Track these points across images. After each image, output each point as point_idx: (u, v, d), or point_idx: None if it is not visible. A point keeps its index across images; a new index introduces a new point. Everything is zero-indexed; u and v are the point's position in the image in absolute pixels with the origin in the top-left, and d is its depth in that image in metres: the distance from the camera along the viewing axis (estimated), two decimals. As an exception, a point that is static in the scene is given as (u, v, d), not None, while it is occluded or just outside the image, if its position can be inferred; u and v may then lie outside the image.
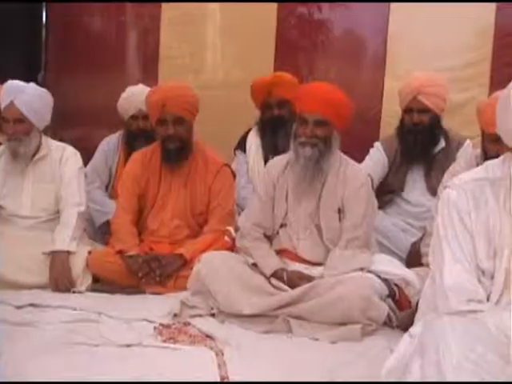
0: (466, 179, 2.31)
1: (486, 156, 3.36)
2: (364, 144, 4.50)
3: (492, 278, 2.20)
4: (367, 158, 4.32)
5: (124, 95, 4.53)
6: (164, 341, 2.95)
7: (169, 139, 3.76)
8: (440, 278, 2.22)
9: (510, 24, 5.13)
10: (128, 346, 2.84)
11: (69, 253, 3.63)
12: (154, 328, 3.08)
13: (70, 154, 3.92)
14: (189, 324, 3.15)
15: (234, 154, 4.68)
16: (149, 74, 5.69)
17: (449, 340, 1.95)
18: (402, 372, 2.10)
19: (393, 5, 5.26)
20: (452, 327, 2.00)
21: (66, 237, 3.67)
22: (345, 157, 3.48)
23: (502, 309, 2.16)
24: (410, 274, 3.32)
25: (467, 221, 2.22)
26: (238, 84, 5.11)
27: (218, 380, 2.56)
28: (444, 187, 2.34)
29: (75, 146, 4.04)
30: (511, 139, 2.24)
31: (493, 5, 5.07)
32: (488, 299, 2.19)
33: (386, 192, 4.30)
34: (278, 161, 3.54)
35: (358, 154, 4.36)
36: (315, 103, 3.29)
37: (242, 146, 4.64)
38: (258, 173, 4.46)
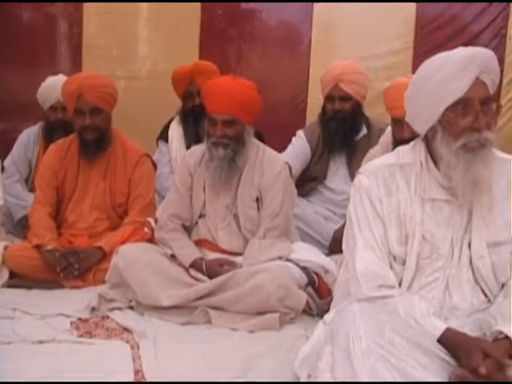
0: (377, 165, 2.34)
1: (396, 141, 3.42)
2: (290, 132, 4.50)
3: (403, 263, 2.23)
4: (290, 146, 4.33)
5: (43, 85, 4.44)
6: (80, 335, 2.90)
7: (86, 130, 3.67)
8: (352, 264, 2.25)
9: (431, 13, 5.26)
10: (41, 342, 2.77)
11: (-17, 249, 3.52)
12: (71, 323, 3.01)
13: None
14: (107, 317, 3.10)
15: (157, 144, 4.62)
16: (73, 64, 5.59)
17: (358, 326, 1.98)
18: (315, 359, 2.11)
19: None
20: (361, 314, 2.03)
21: None
22: (262, 145, 3.46)
23: (412, 294, 2.19)
24: (328, 261, 3.34)
25: (378, 207, 2.24)
26: (164, 74, 5.04)
27: (132, 373, 2.51)
28: (357, 173, 2.36)
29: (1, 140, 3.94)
30: (420, 126, 2.26)
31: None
32: (400, 284, 2.22)
33: (309, 180, 4.31)
34: (195, 151, 3.49)
35: (285, 142, 4.40)
36: (222, 103, 3.22)
37: (164, 135, 4.59)
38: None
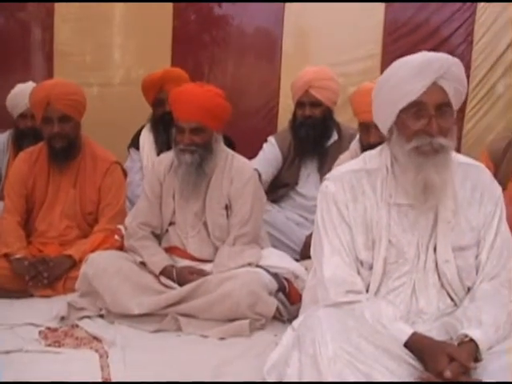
0: (343, 171, 2.35)
1: (363, 146, 3.45)
2: (262, 138, 4.50)
3: (370, 268, 2.24)
4: (261, 152, 4.33)
5: (12, 93, 4.43)
6: (48, 345, 2.87)
7: (54, 138, 3.64)
8: (320, 270, 2.25)
9: (398, 20, 5.31)
10: (8, 352, 2.73)
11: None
12: (40, 332, 2.99)
13: None
14: (76, 326, 3.07)
15: (128, 151, 4.60)
16: (45, 71, 5.56)
17: (324, 332, 1.99)
18: (283, 365, 2.11)
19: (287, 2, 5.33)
20: (327, 319, 2.03)
21: None
22: (231, 152, 3.46)
23: (379, 299, 2.21)
24: (299, 267, 3.35)
25: (345, 212, 2.25)
26: (137, 80, 5.02)
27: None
28: (323, 179, 2.37)
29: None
30: (381, 127, 2.29)
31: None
32: (367, 289, 2.23)
33: (281, 186, 4.32)
34: (164, 159, 3.48)
35: (256, 148, 4.41)
36: (189, 111, 3.22)
37: (135, 143, 4.57)
38: (151, 170, 4.38)
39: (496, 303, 2.14)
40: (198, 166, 3.26)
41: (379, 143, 2.46)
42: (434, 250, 2.23)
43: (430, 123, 2.11)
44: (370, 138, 3.35)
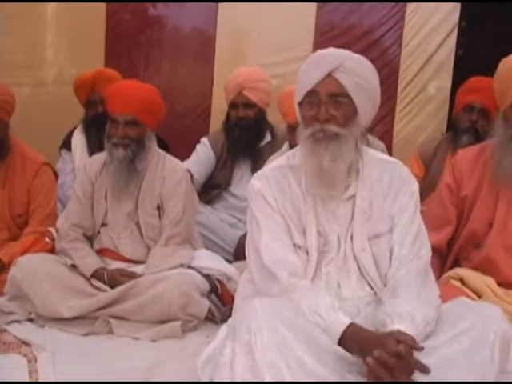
0: (268, 169, 2.44)
1: (291, 147, 3.49)
2: (195, 139, 4.51)
3: (307, 253, 2.28)
4: (194, 153, 4.33)
5: None
6: (-25, 351, 2.82)
7: (-19, 139, 3.57)
8: (260, 258, 2.26)
9: (329, 22, 5.35)
10: None
11: None
12: (-34, 338, 2.93)
13: None
14: (5, 331, 3.02)
15: (60, 152, 4.54)
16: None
17: (260, 320, 1.99)
18: (217, 356, 2.11)
19: (221, 3, 5.33)
20: (262, 308, 2.03)
21: None
22: (163, 153, 3.46)
23: (318, 288, 2.21)
24: (231, 268, 3.38)
25: (273, 204, 2.31)
26: (70, 81, 4.93)
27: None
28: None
29: None
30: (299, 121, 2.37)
31: (314, 3, 5.28)
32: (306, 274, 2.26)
33: (214, 187, 4.33)
34: (96, 159, 3.47)
35: (190, 149, 4.40)
36: (125, 103, 3.23)
37: (67, 144, 4.50)
38: (83, 172, 4.33)
39: (423, 298, 2.17)
40: (130, 161, 3.25)
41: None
42: (351, 239, 2.29)
43: (319, 110, 2.21)
44: (297, 139, 3.37)
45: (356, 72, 2.23)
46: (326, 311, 2.09)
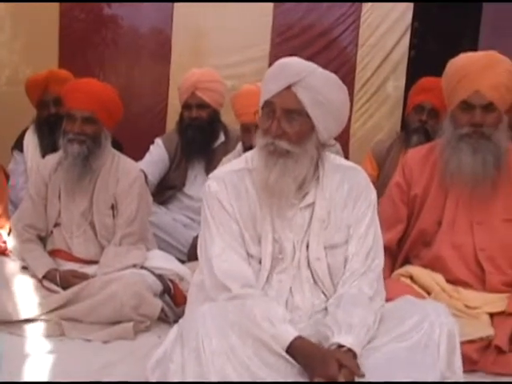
0: (225, 171, 2.39)
1: (245, 147, 3.51)
2: (151, 140, 4.48)
3: (260, 262, 2.27)
4: (147, 154, 4.33)
5: None
6: None
7: None
8: (210, 266, 2.25)
9: (286, 22, 5.38)
10: None
11: None
12: None
13: None
14: (-46, 334, 2.98)
15: (12, 153, 4.48)
16: None
17: (208, 326, 1.99)
18: (167, 361, 2.10)
19: (176, 3, 5.34)
20: (211, 314, 2.03)
21: None
22: (118, 153, 3.45)
23: (270, 298, 2.23)
24: (184, 269, 3.38)
25: (230, 210, 2.28)
26: (24, 81, 4.91)
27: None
28: (207, 179, 2.40)
29: None
30: None
31: (270, 3, 5.30)
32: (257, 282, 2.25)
33: (168, 188, 4.34)
34: (50, 159, 3.45)
35: (146, 150, 4.38)
36: (83, 100, 3.24)
37: (19, 145, 4.45)
38: (36, 173, 4.29)
39: (363, 305, 2.18)
40: (85, 158, 3.24)
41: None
42: (307, 247, 2.29)
43: (271, 125, 2.18)
44: (251, 138, 3.39)
45: (316, 89, 2.19)
46: (278, 320, 2.08)
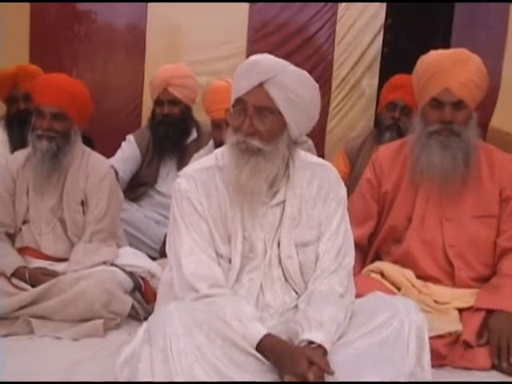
0: (195, 168, 2.36)
1: (216, 144, 3.50)
2: (124, 136, 4.46)
3: (230, 261, 2.25)
4: (119, 151, 4.31)
5: None
6: None
7: None
8: (179, 265, 2.23)
9: (261, 19, 5.38)
10: None
11: None
12: None
13: None
14: None
15: (-19, 151, 4.44)
16: None
17: (175, 325, 1.97)
18: (136, 360, 2.09)
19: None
20: (178, 313, 2.01)
21: None
22: (88, 149, 3.43)
23: (240, 297, 2.22)
24: (155, 266, 3.36)
25: (200, 209, 2.25)
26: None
27: None
28: (177, 176, 2.38)
29: None
30: None
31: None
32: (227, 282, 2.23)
33: (140, 184, 4.33)
34: (19, 155, 3.42)
35: (118, 147, 4.35)
36: (53, 95, 3.21)
37: (-14, 142, 4.42)
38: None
39: (334, 302, 2.18)
40: (54, 155, 3.22)
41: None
42: (278, 245, 2.28)
43: (243, 122, 2.16)
44: (222, 135, 3.38)
45: (288, 86, 2.16)
46: (248, 318, 2.08)
